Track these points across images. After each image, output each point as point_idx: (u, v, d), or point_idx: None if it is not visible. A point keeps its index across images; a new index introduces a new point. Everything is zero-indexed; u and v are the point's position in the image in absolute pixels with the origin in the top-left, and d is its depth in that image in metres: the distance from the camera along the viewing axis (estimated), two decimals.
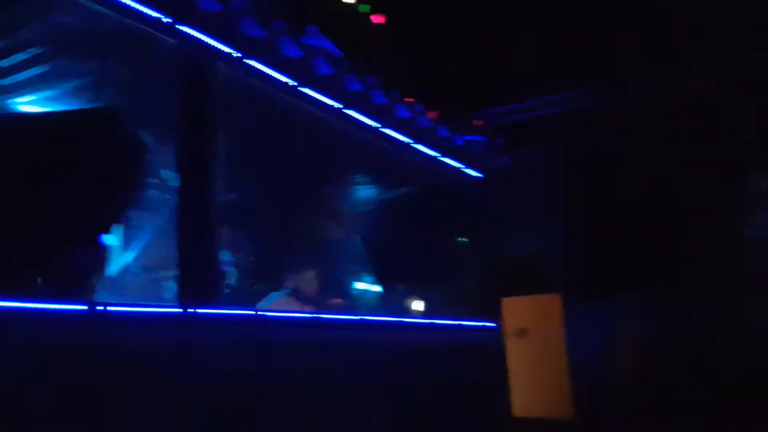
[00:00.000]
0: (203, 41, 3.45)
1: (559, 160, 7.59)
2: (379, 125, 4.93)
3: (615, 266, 6.95)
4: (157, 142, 3.55)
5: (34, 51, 3.31)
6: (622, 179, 7.24)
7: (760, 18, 6.58)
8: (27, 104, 3.73)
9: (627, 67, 7.44)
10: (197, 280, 3.21)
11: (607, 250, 7.02)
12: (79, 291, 2.94)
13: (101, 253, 3.25)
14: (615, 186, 7.28)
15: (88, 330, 2.62)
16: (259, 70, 3.85)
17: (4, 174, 2.68)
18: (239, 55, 3.66)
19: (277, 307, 4.64)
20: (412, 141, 5.30)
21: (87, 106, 3.77)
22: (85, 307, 2.64)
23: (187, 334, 3.04)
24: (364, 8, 5.13)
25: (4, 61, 3.31)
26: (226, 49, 3.58)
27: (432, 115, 5.45)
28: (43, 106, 3.76)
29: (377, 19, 5.22)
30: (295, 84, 4.10)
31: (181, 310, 3.10)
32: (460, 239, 6.24)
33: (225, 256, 4.70)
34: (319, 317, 4.09)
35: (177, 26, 3.32)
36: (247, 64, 3.76)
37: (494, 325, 5.70)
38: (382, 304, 5.93)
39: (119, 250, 4.23)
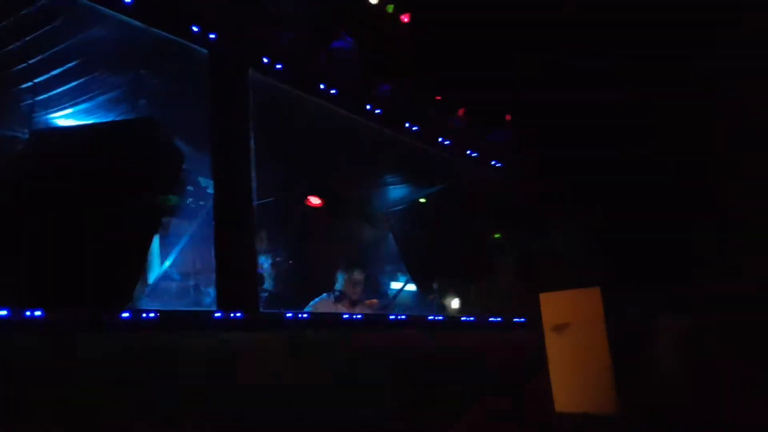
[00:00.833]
0: (234, 50, 3.50)
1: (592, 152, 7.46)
2: (410, 125, 4.93)
3: (655, 257, 6.82)
4: (193, 149, 3.60)
5: (69, 65, 3.38)
6: (660, 168, 7.09)
7: None
8: (63, 118, 3.81)
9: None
10: (235, 285, 3.25)
11: (647, 241, 6.90)
12: (122, 298, 2.98)
13: (141, 260, 3.30)
14: (651, 174, 7.13)
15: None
16: (291, 75, 3.90)
17: (49, 186, 2.74)
18: (270, 62, 3.70)
19: (323, 310, 4.69)
20: (442, 139, 5.29)
21: (123, 117, 3.83)
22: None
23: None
24: (389, 8, 5.13)
25: (42, 76, 3.38)
26: (259, 57, 3.62)
27: (461, 112, 5.45)
28: (79, 119, 3.84)
29: (405, 18, 5.21)
30: (325, 88, 4.13)
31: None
32: (495, 236, 6.20)
33: (265, 260, 4.78)
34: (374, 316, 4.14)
35: (209, 35, 3.37)
36: (280, 70, 3.80)
37: (533, 321, 5.65)
38: (419, 303, 5.93)
39: (157, 256, 4.30)
